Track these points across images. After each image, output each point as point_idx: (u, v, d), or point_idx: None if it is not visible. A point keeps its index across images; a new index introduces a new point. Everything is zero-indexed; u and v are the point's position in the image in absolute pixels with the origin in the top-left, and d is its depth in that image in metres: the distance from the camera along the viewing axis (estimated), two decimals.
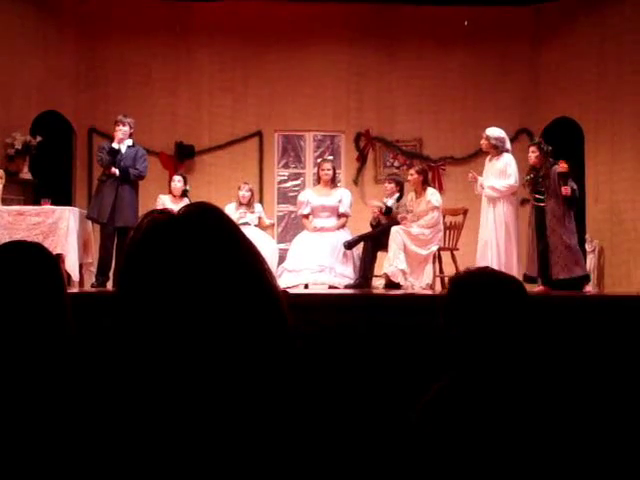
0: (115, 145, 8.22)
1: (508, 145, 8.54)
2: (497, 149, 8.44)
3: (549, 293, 7.61)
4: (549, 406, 1.91)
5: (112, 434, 1.22)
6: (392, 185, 9.07)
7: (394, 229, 8.44)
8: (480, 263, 7.90)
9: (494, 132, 8.50)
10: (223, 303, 1.23)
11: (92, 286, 8.09)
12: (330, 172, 9.24)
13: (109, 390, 1.28)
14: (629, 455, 2.38)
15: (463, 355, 2.00)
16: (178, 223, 1.27)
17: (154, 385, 1.21)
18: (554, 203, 8.06)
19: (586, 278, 8.32)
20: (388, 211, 8.82)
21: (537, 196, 8.24)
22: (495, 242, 8.29)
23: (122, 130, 8.26)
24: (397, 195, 8.96)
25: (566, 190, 7.93)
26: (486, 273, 2.11)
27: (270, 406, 1.22)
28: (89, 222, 8.46)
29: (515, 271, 7.93)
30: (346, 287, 8.45)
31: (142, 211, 8.55)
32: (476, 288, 2.03)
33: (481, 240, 8.43)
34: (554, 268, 8.03)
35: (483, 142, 8.54)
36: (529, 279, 8.17)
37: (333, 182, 9.32)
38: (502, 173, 8.35)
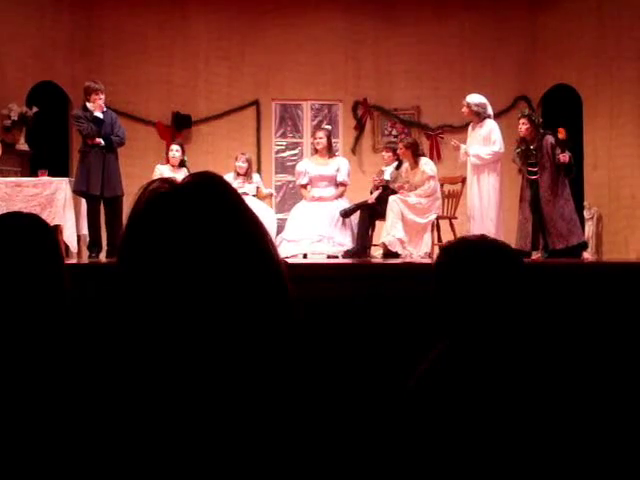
0: (99, 114, 8.02)
1: (490, 111, 8.51)
2: (479, 115, 8.42)
3: (545, 261, 7.63)
4: (548, 373, 1.92)
5: (110, 403, 1.22)
6: (389, 154, 9.06)
7: (392, 198, 8.43)
8: (473, 232, 7.95)
9: (475, 98, 8.46)
10: (226, 273, 1.23)
11: (90, 257, 8.08)
12: (322, 140, 9.15)
13: (107, 359, 1.28)
14: (629, 422, 2.40)
15: (456, 322, 2.00)
16: (182, 193, 1.26)
17: (154, 355, 1.21)
18: (548, 174, 8.05)
19: (583, 245, 8.34)
20: (386, 187, 8.79)
21: (530, 169, 8.22)
22: (479, 211, 8.31)
23: (103, 98, 8.10)
24: (396, 163, 8.94)
25: (564, 157, 7.92)
26: (480, 241, 2.10)
27: (272, 375, 1.23)
28: None
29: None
30: (344, 255, 8.46)
31: (135, 181, 8.53)
32: (470, 255, 2.03)
33: (468, 209, 8.48)
34: (550, 238, 8.06)
35: (464, 110, 8.51)
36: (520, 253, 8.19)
37: (330, 151, 9.25)
38: (486, 140, 8.34)
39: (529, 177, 8.24)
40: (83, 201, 8.36)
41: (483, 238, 2.12)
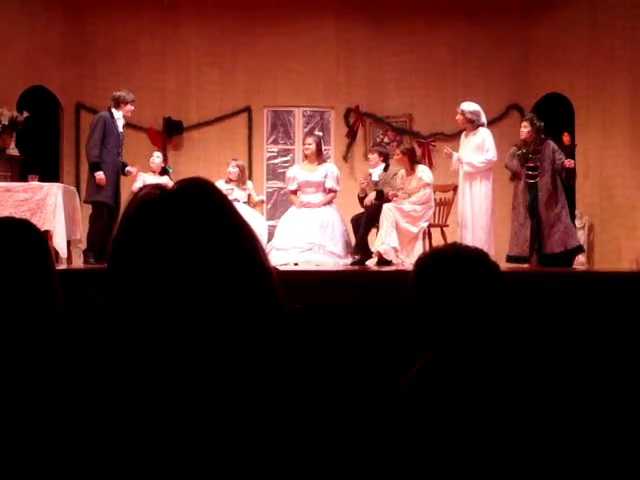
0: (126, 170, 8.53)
1: (484, 119, 8.55)
2: (473, 123, 8.45)
3: (538, 269, 7.65)
4: (537, 380, 1.91)
5: (102, 410, 1.21)
6: (375, 156, 9.05)
7: (386, 206, 8.42)
8: (465, 239, 7.97)
9: (469, 106, 8.49)
10: (216, 279, 1.22)
11: (87, 263, 8.08)
12: (311, 147, 9.14)
13: (99, 365, 1.27)
14: (620, 430, 2.39)
15: (438, 333, 1.99)
16: (171, 199, 1.25)
17: (145, 360, 1.21)
18: (547, 178, 8.08)
19: (580, 249, 8.39)
20: (380, 194, 8.74)
21: (529, 172, 8.24)
22: (471, 219, 8.33)
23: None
24: (382, 165, 8.94)
25: (570, 162, 7.99)
26: (452, 250, 2.09)
27: (264, 380, 1.22)
28: (77, 198, 8.37)
29: (489, 248, 8.01)
30: (352, 264, 8.43)
31: (126, 187, 8.56)
32: (442, 266, 2.02)
33: (460, 216, 8.50)
34: (548, 243, 8.07)
35: (459, 117, 8.53)
36: (516, 259, 8.20)
37: (319, 157, 9.23)
38: (479, 148, 8.37)
39: (528, 181, 8.25)
40: (75, 206, 8.34)
41: (455, 247, 2.11)
